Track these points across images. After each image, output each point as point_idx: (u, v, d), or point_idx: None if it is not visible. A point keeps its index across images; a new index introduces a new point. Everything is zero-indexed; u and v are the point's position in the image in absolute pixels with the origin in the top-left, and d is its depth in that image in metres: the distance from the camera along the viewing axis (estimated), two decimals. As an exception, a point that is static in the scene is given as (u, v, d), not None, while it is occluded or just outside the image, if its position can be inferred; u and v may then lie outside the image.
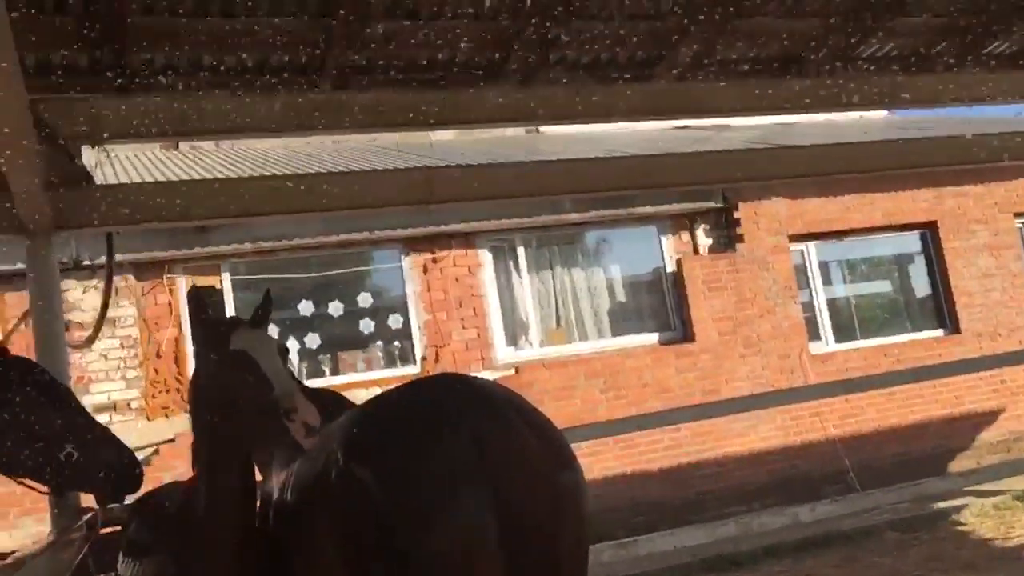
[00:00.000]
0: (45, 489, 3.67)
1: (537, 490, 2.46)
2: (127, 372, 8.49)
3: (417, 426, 2.55)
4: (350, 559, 2.59)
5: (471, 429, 2.48)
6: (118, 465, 3.21)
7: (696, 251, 10.87)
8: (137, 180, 8.47)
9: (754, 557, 7.74)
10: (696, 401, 9.52)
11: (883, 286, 12.34)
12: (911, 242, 11.97)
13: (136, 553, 2.91)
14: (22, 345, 7.93)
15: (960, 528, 8.19)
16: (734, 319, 10.57)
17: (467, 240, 9.93)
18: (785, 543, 7.90)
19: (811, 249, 11.37)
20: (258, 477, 3.19)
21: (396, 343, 9.83)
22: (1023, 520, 8.15)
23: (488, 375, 9.14)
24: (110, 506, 3.50)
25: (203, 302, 3.06)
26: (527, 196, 5.43)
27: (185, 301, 8.94)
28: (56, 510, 3.89)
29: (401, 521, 2.43)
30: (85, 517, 3.69)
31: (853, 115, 13.90)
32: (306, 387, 3.92)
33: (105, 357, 8.41)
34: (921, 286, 12.02)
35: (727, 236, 10.97)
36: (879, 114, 14.56)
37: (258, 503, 3.06)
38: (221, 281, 9.14)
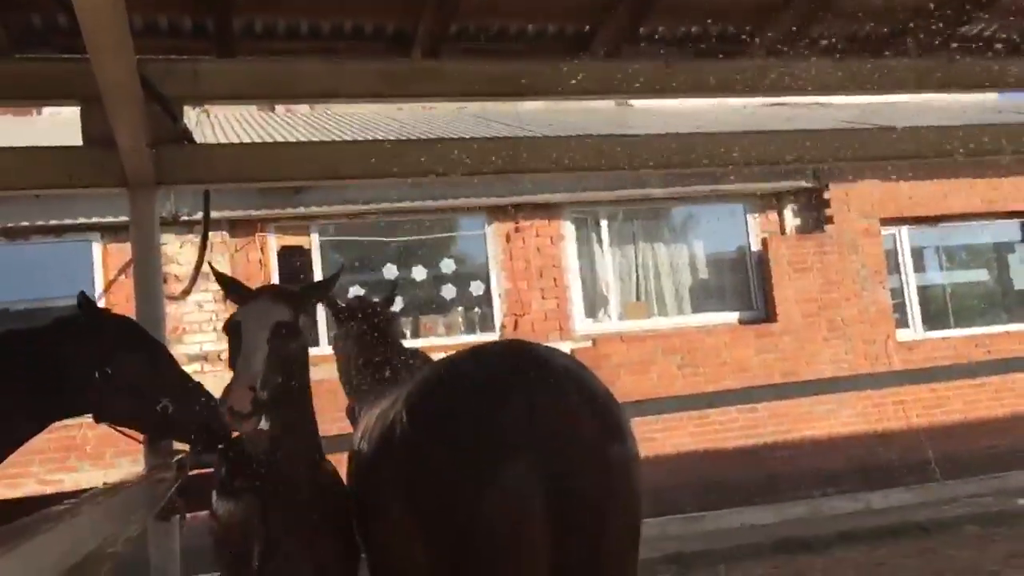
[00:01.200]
0: (140, 437, 3.92)
1: (586, 462, 2.48)
2: (219, 324, 8.80)
3: (473, 392, 2.62)
4: (411, 515, 2.70)
5: (524, 397, 2.52)
6: (208, 418, 3.40)
7: (783, 231, 10.68)
8: (234, 140, 8.75)
9: (827, 542, 7.66)
10: (775, 383, 9.40)
11: (979, 275, 11.92)
12: (1011, 230, 11.53)
13: (226, 495, 3.08)
14: (122, 295, 8.34)
15: (1044, 526, 7.96)
16: (819, 302, 10.38)
17: (550, 211, 9.97)
18: (859, 530, 7.79)
19: (903, 233, 11.05)
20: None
21: (477, 309, 9.96)
22: (1112, 522, 7.87)
23: (565, 346, 9.20)
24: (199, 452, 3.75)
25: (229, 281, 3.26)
26: (612, 169, 5.41)
27: (275, 259, 9.23)
28: (150, 452, 4.12)
29: (452, 485, 2.50)
30: (176, 459, 3.90)
31: (956, 98, 13.37)
32: (402, 348, 4.08)
33: (200, 307, 8.76)
34: (1020, 276, 11.57)
35: (816, 217, 10.74)
36: (983, 97, 13.97)
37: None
38: (310, 242, 9.40)
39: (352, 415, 4.00)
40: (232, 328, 2.92)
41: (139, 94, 3.93)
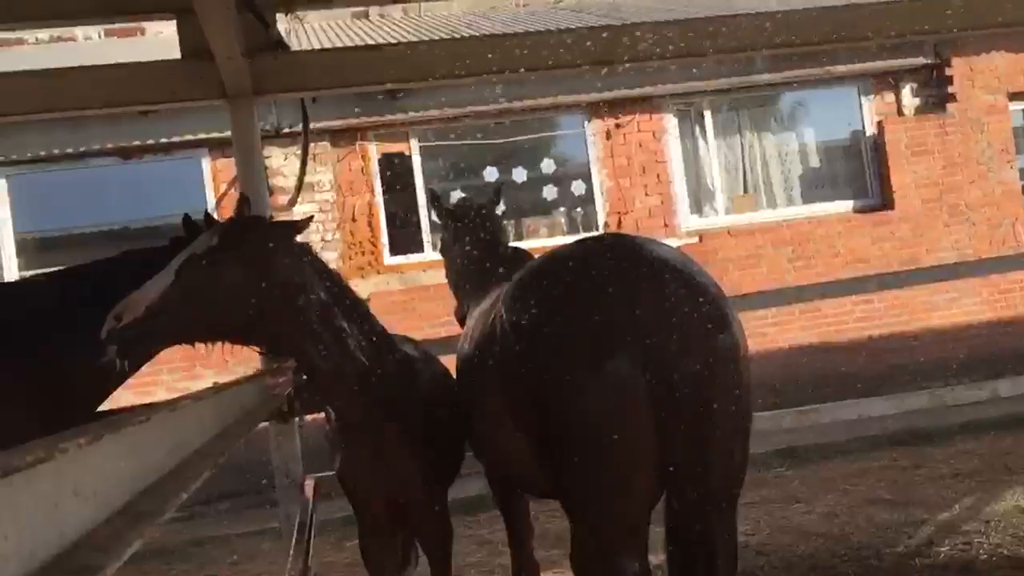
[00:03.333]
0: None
1: (690, 352, 2.44)
2: (325, 235, 8.99)
3: (573, 286, 2.59)
4: (514, 410, 2.71)
5: (626, 289, 2.49)
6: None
7: (900, 112, 10.10)
8: (328, 47, 8.74)
9: (948, 432, 7.45)
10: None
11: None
12: None
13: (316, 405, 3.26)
14: (230, 210, 8.57)
15: None
16: (940, 185, 9.85)
17: (651, 104, 9.67)
18: (984, 420, 7.53)
19: (1034, 108, 10.31)
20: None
21: (579, 210, 9.85)
22: None
23: (672, 243, 9.01)
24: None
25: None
26: (718, 53, 5.15)
27: (377, 166, 9.29)
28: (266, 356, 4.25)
29: (555, 377, 2.50)
30: (291, 361, 4.00)
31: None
32: (507, 249, 4.06)
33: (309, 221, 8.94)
34: None
35: (937, 95, 10.10)
36: None
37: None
38: (410, 147, 9.41)
39: (461, 317, 4.03)
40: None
41: (230, 2, 3.92)
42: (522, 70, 4.74)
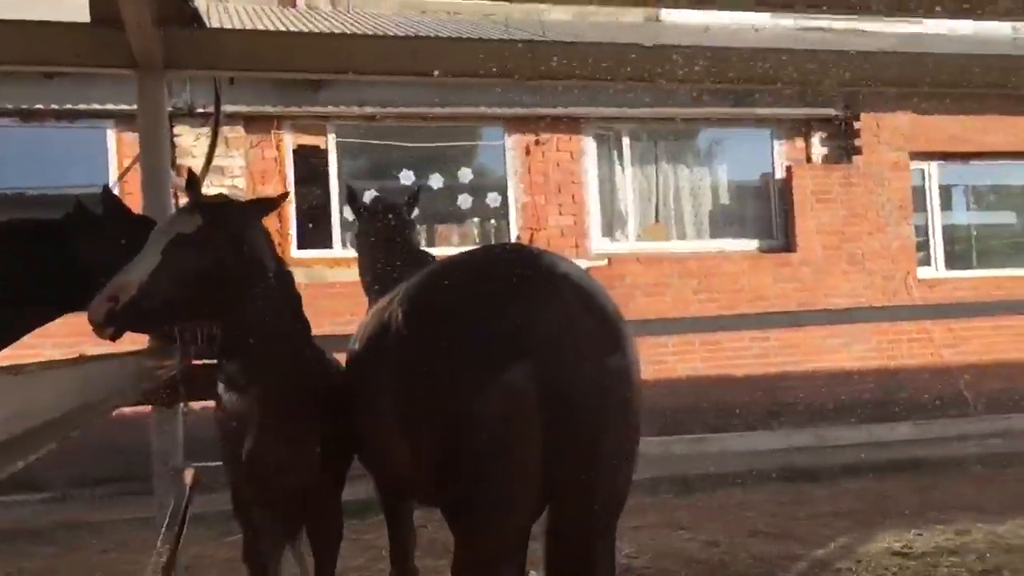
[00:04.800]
0: None
1: (582, 370, 2.40)
2: (232, 221, 8.70)
3: (471, 293, 2.54)
4: (402, 415, 2.64)
5: (525, 301, 2.44)
6: None
7: (809, 160, 10.43)
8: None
9: (830, 472, 7.66)
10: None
11: (1006, 217, 11.67)
12: (1044, 172, 11.22)
13: (232, 387, 3.13)
14: (136, 184, 8.24)
15: (1051, 470, 7.92)
16: (841, 234, 10.19)
17: (572, 125, 9.74)
18: (864, 463, 7.78)
19: (933, 169, 10.77)
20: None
21: (492, 222, 9.84)
22: (1121, 469, 7.82)
23: (581, 264, 9.05)
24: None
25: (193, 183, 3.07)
26: (637, 81, 5.20)
27: (291, 158, 9.07)
28: (154, 337, 4.07)
29: (448, 382, 2.44)
30: (179, 345, 3.84)
31: (1002, 28, 12.92)
32: (420, 252, 4.02)
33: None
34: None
35: (844, 147, 10.47)
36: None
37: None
38: (327, 141, 9.23)
39: None
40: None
41: (147, -32, 3.76)
42: (435, 73, 4.69)
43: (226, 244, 2.87)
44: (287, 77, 7.29)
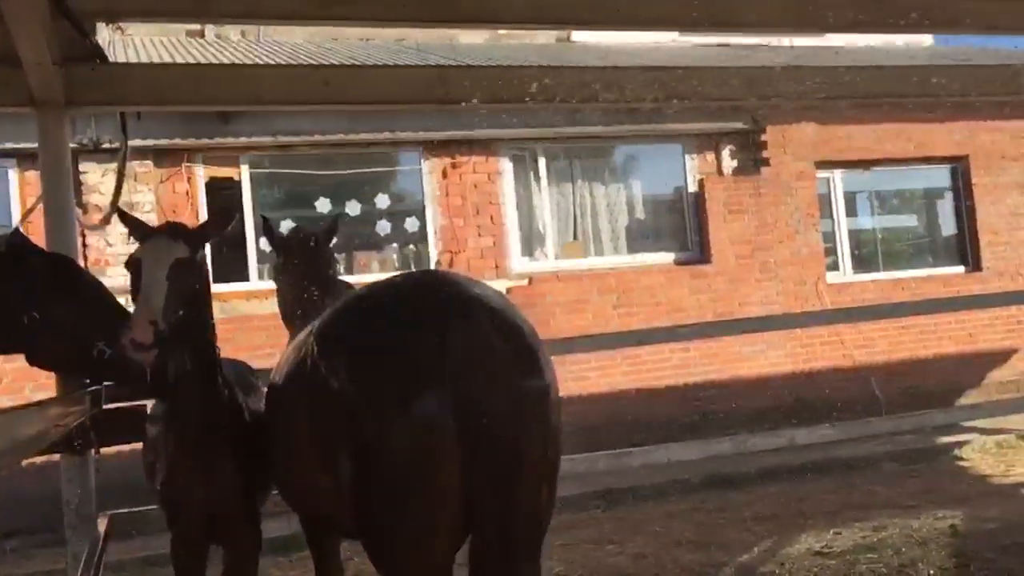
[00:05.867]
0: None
1: (498, 394, 2.43)
2: (143, 258, 8.51)
3: (387, 321, 2.56)
4: (320, 448, 2.63)
5: (437, 328, 2.46)
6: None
7: (720, 172, 10.70)
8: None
9: (751, 479, 7.84)
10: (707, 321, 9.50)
11: (908, 220, 12.16)
12: (941, 176, 11.72)
13: (154, 422, 3.42)
14: (41, 225, 8.00)
15: (960, 463, 8.25)
16: (753, 243, 10.47)
17: (488, 147, 9.81)
18: (783, 467, 7.99)
19: (837, 177, 11.17)
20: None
21: (411, 247, 9.83)
22: (1024, 459, 8.19)
23: (501, 284, 9.14)
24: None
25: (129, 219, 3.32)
26: (549, 101, 5.29)
27: (203, 191, 8.92)
28: (62, 383, 3.97)
29: (363, 413, 2.44)
30: (89, 390, 3.75)
31: (895, 41, 13.50)
32: (339, 282, 4.04)
33: (126, 239, 8.43)
34: (947, 221, 11.82)
35: (753, 159, 10.78)
36: (922, 42, 14.13)
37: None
38: (240, 173, 9.11)
39: None
40: (134, 265, 3.04)
41: (44, 7, 3.68)
42: (357, 104, 4.70)
43: (203, 268, 3.17)
44: (196, 110, 7.18)
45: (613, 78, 5.45)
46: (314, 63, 8.28)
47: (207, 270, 3.25)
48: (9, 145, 8.11)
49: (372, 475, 2.44)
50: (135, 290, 2.97)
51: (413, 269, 9.57)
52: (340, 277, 4.34)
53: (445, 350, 2.42)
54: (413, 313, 2.53)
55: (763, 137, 10.64)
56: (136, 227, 3.24)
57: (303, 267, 3.97)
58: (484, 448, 2.39)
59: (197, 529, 3.39)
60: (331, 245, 4.23)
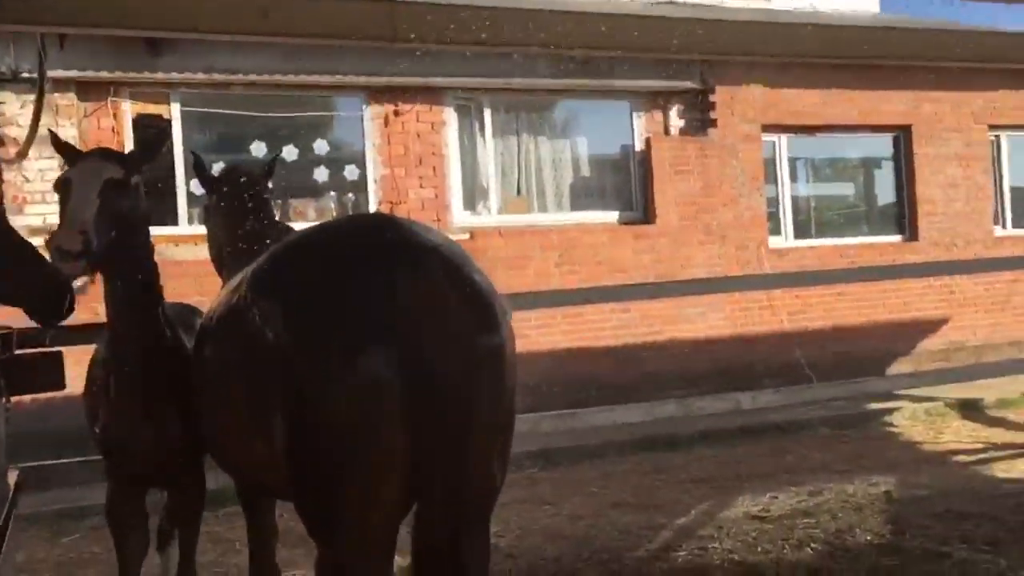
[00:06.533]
0: None
1: (450, 350, 2.22)
2: (64, 196, 8.07)
3: (328, 267, 2.31)
4: (253, 406, 2.41)
5: (386, 276, 2.23)
6: (52, 291, 3.03)
7: (667, 132, 10.58)
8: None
9: (690, 441, 7.84)
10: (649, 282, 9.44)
11: (848, 188, 12.24)
12: (883, 145, 11.80)
13: (96, 365, 3.37)
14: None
15: (891, 429, 8.39)
16: (697, 205, 10.41)
17: (433, 95, 9.49)
18: (721, 430, 8.01)
19: (782, 141, 11.15)
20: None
21: (350, 195, 9.52)
22: (953, 426, 8.36)
23: (442, 237, 8.90)
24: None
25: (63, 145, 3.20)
26: (498, 46, 5.08)
27: (130, 127, 8.46)
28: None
29: (300, 368, 2.21)
30: (-1, 334, 3.48)
31: (842, 6, 13.51)
32: (276, 224, 3.79)
33: (43, 176, 7.95)
34: (887, 190, 11.93)
35: (700, 120, 10.67)
36: (868, 9, 14.16)
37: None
38: (170, 111, 8.65)
39: None
40: (63, 185, 2.88)
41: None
42: (299, 38, 4.41)
43: (140, 190, 3.03)
44: (123, 35, 6.67)
45: (559, 23, 5.24)
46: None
47: (143, 196, 3.08)
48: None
49: (310, 438, 2.22)
50: (63, 209, 2.80)
51: (357, 214, 9.28)
52: (279, 220, 4.08)
53: (395, 300, 2.21)
54: (360, 259, 2.29)
55: (712, 98, 10.53)
56: (68, 152, 3.12)
57: (237, 208, 3.71)
58: (433, 410, 2.19)
59: (139, 477, 3.30)
60: (266, 188, 3.97)
